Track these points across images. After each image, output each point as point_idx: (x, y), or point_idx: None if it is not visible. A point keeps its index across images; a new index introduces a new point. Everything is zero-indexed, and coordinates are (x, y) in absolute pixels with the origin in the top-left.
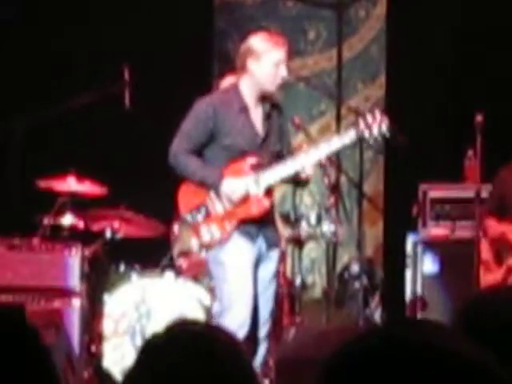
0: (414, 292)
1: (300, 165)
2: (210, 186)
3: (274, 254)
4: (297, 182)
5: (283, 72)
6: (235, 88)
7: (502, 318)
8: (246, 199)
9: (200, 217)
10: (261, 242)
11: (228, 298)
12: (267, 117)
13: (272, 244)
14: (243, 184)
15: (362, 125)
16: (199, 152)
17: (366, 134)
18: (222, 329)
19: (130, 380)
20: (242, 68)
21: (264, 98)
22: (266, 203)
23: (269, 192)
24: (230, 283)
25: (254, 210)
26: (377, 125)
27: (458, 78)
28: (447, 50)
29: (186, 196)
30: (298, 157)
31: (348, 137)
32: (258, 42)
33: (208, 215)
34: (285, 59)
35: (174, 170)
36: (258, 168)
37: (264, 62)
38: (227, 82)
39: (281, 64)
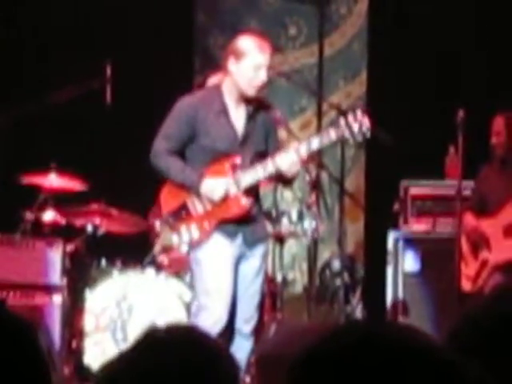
0: (395, 292)
1: (278, 165)
2: (190, 186)
3: (258, 251)
4: (283, 181)
5: (263, 76)
6: (217, 88)
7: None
8: (225, 199)
9: (180, 217)
10: (241, 241)
11: (204, 296)
12: (250, 117)
13: (254, 241)
14: (223, 184)
15: (342, 124)
16: (181, 152)
17: (347, 133)
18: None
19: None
20: (224, 68)
21: (249, 99)
22: (246, 203)
23: (249, 192)
24: (206, 281)
25: (234, 210)
26: (357, 125)
27: (440, 75)
28: (429, 47)
29: (168, 196)
30: (277, 157)
31: (328, 137)
32: (242, 42)
33: (188, 215)
34: (267, 64)
35: (155, 169)
36: (238, 169)
37: (243, 63)
38: (211, 82)
39: (261, 68)
